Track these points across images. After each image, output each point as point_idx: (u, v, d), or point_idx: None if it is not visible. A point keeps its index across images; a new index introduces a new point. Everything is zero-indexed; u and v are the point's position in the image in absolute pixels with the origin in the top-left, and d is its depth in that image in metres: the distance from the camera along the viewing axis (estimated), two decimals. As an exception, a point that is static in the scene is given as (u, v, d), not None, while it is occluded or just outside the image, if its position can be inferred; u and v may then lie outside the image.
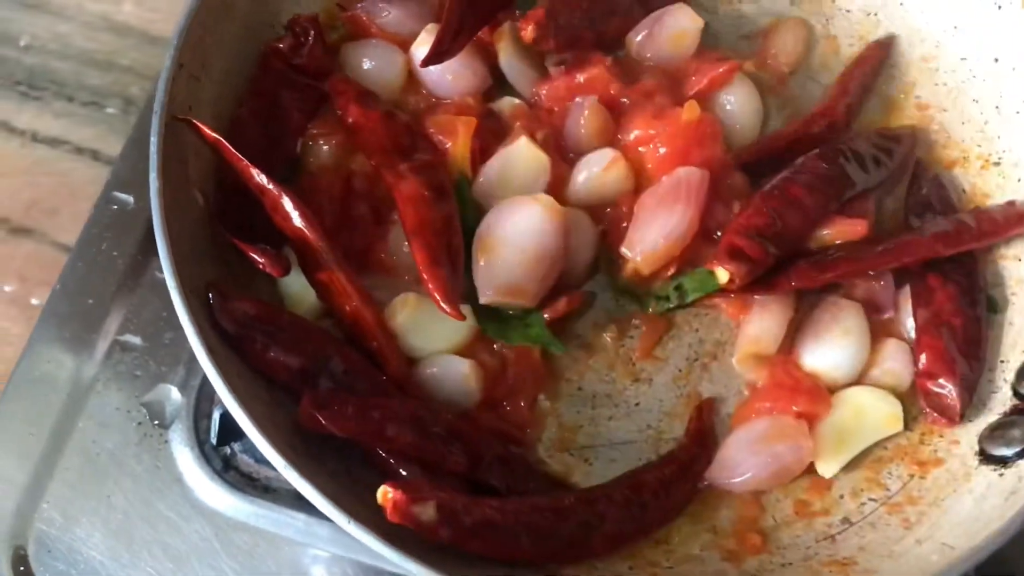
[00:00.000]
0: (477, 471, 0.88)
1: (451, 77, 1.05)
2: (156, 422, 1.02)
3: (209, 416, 1.01)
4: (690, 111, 1.01)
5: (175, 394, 1.03)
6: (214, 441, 1.01)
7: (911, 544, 0.89)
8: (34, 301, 1.16)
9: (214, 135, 0.90)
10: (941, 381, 0.95)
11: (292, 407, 0.85)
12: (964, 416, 0.93)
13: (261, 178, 0.90)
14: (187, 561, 0.97)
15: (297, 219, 0.90)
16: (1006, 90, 1.05)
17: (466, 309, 0.94)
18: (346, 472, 0.86)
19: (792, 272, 0.96)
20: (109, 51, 1.33)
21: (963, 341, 0.96)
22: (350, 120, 1.00)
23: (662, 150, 1.01)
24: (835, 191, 0.99)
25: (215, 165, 0.96)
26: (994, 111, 1.06)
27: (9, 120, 1.28)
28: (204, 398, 1.03)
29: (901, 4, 1.12)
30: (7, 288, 1.18)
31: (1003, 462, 0.90)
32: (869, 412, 0.95)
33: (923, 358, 0.96)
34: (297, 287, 0.96)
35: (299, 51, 1.03)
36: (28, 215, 1.23)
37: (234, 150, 0.90)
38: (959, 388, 0.94)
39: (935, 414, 0.95)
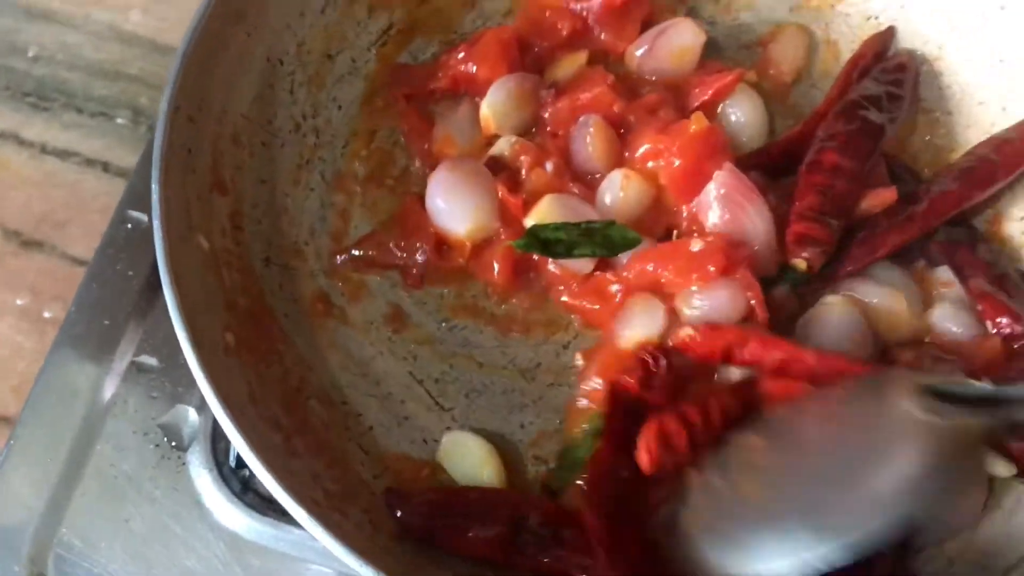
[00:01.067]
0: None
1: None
2: (174, 444, 0.90)
3: (227, 438, 0.87)
4: (698, 122, 0.89)
5: (192, 415, 0.90)
6: (232, 463, 0.89)
7: (943, 564, 0.77)
8: (46, 314, 1.05)
9: None
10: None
11: (308, 457, 0.75)
12: None
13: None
14: (207, 584, 0.85)
15: None
16: (1012, 91, 0.93)
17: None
18: (369, 523, 0.75)
19: (846, 259, 0.87)
20: (117, 61, 1.21)
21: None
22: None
23: (676, 162, 0.88)
24: (868, 143, 0.90)
25: (217, 209, 0.85)
26: (1001, 112, 0.94)
27: (19, 132, 1.17)
28: (221, 420, 0.89)
29: (902, 7, 0.99)
30: (19, 302, 1.07)
31: (1033, 474, 0.79)
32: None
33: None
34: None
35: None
36: (39, 228, 1.11)
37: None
38: None
39: None
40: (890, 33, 1.00)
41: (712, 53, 1.00)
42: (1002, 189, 0.91)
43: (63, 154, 1.15)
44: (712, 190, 0.87)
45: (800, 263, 0.86)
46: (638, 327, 0.84)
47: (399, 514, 0.77)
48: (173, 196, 0.79)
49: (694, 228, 0.89)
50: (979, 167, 0.90)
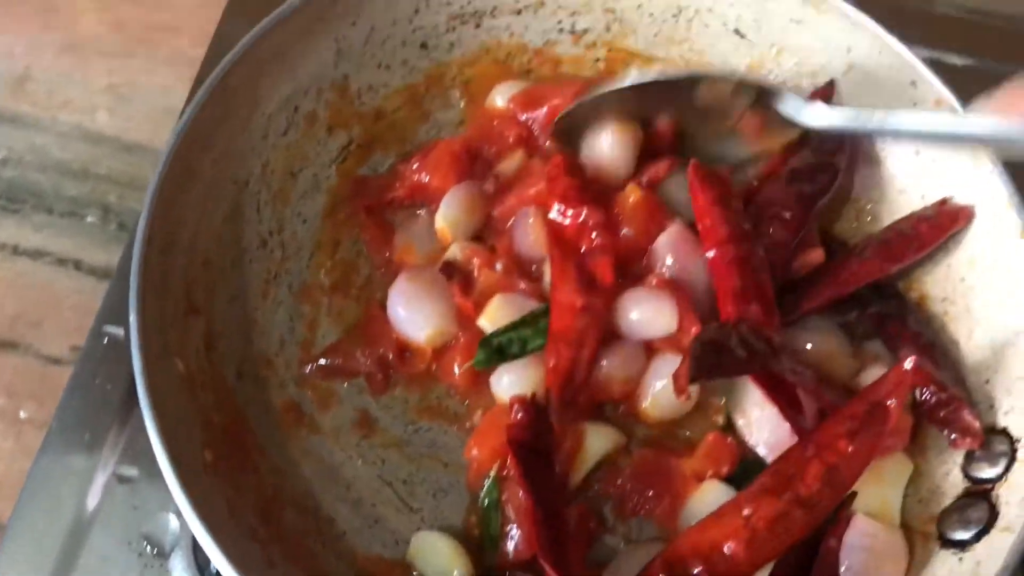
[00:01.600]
0: None
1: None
2: (156, 551, 0.93)
3: (207, 544, 0.91)
4: (633, 192, 0.94)
5: (173, 522, 0.93)
6: (214, 570, 0.91)
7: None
8: (23, 415, 1.07)
9: None
10: (954, 405, 0.89)
11: (285, 566, 0.78)
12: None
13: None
14: None
15: None
16: (928, 181, 0.99)
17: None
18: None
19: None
20: (85, 160, 1.24)
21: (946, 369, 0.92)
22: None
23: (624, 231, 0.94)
24: (803, 212, 0.96)
25: (191, 332, 0.88)
26: (920, 200, 0.99)
27: (-10, 235, 1.18)
28: (202, 525, 0.92)
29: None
30: (-5, 403, 1.09)
31: (962, 546, 0.84)
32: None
33: (921, 392, 0.90)
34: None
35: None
36: (13, 328, 1.13)
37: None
38: (968, 407, 0.89)
39: (963, 437, 0.89)
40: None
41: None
42: (923, 269, 0.98)
43: (35, 254, 1.17)
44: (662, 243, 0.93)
45: None
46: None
47: None
48: (149, 324, 0.83)
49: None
50: (895, 240, 0.96)
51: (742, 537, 0.79)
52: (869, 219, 1.03)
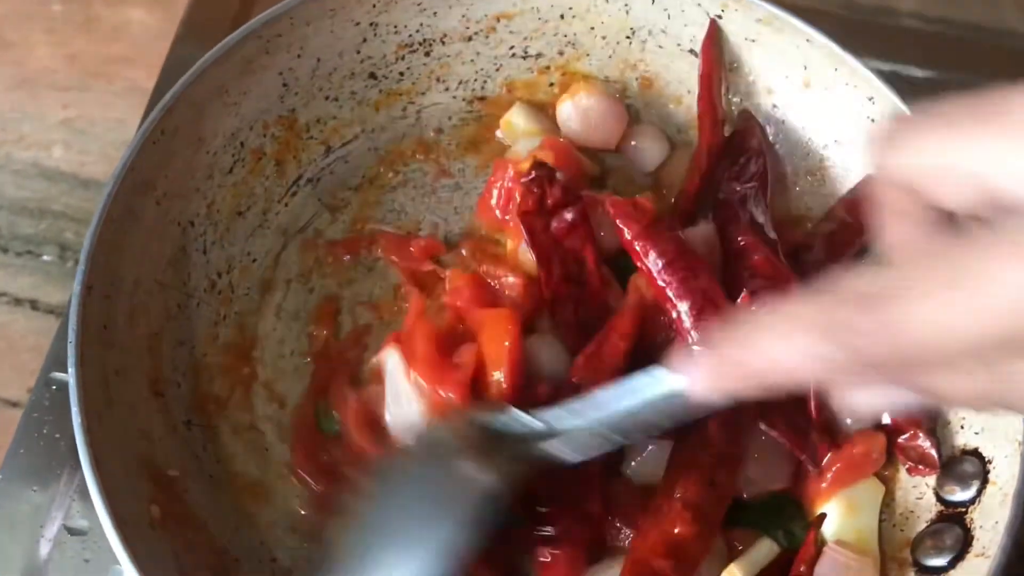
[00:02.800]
0: None
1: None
2: (110, 606, 0.89)
3: (163, 598, 0.87)
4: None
5: (128, 576, 0.89)
6: (170, 626, 0.87)
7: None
8: None
9: None
10: (911, 432, 0.87)
11: None
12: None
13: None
14: None
15: None
16: (891, 198, 0.96)
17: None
18: None
19: None
20: (41, 198, 1.20)
21: None
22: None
23: None
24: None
25: (132, 380, 0.85)
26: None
27: (-56, 277, 1.15)
28: (156, 578, 0.88)
29: (783, 122, 1.03)
30: (-49, 446, 1.05)
31: (937, 573, 0.81)
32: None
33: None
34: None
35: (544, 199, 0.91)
36: (-33, 371, 1.09)
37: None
38: (927, 434, 0.86)
39: (920, 466, 0.87)
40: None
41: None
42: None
43: (-10, 295, 1.14)
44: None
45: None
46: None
47: None
48: (91, 376, 0.79)
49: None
50: (839, 230, 0.94)
51: (685, 517, 0.79)
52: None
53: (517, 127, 1.03)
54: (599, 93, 1.03)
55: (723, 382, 0.53)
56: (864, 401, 0.56)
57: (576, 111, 1.02)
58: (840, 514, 0.85)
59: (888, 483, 0.89)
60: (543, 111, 1.06)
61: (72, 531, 0.92)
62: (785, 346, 0.48)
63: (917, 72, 1.19)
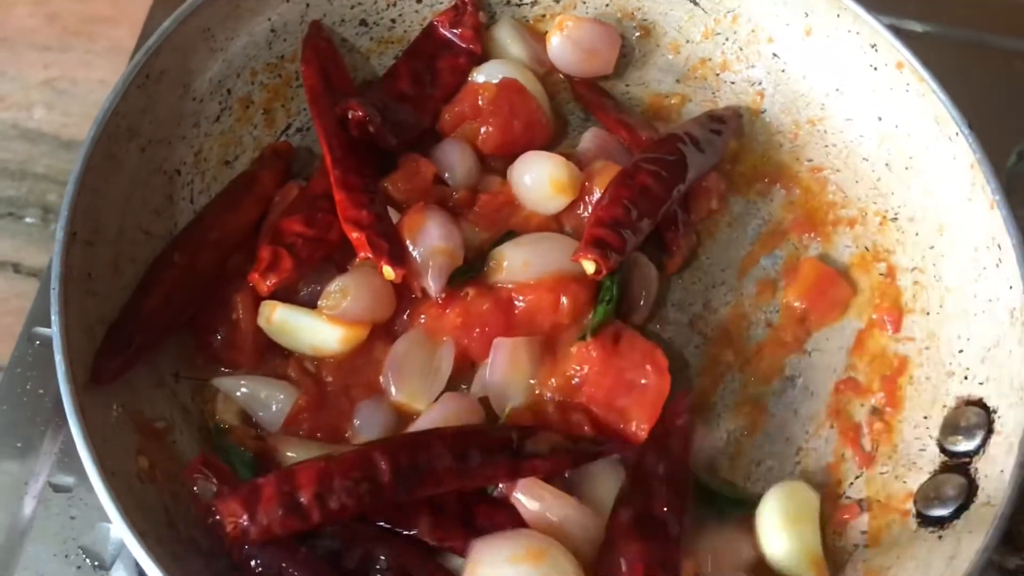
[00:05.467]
0: None
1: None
2: (96, 564, 0.86)
3: (151, 554, 0.85)
4: None
5: (114, 533, 0.87)
6: (158, 582, 0.85)
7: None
8: None
9: None
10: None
11: None
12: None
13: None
14: None
15: None
16: (892, 147, 0.95)
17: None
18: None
19: None
20: (22, 160, 1.18)
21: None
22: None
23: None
24: (678, 175, 0.93)
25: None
26: (885, 168, 0.95)
27: (-76, 238, 1.12)
28: (144, 535, 0.86)
29: (783, 71, 1.01)
30: (-68, 409, 1.02)
31: (941, 523, 0.80)
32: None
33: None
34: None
35: (458, 21, 0.99)
36: (-50, 333, 1.06)
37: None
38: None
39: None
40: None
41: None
42: (892, 237, 0.94)
43: (-29, 258, 1.11)
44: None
45: (589, 264, 0.86)
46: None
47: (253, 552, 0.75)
48: (74, 324, 0.77)
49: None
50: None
51: None
52: (833, 188, 0.99)
53: (501, 43, 1.02)
54: (587, 20, 1.01)
55: None
56: None
57: (567, 43, 1.00)
58: (780, 531, 0.83)
59: (889, 434, 0.88)
60: (533, 35, 1.04)
61: (57, 488, 0.89)
62: None
63: (916, 26, 1.17)
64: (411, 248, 0.87)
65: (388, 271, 0.85)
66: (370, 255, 0.84)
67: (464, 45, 1.00)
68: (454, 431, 0.80)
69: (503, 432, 0.81)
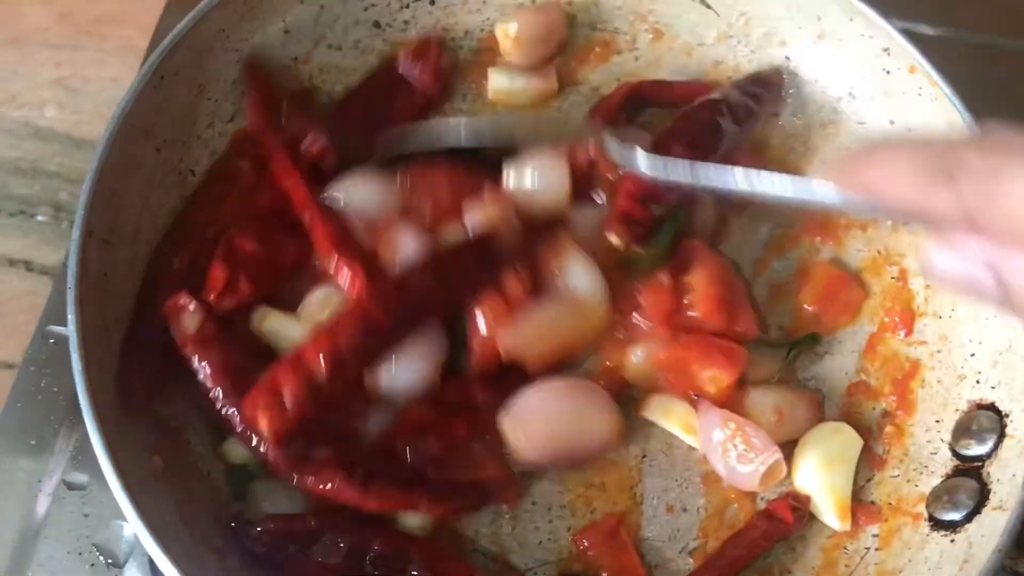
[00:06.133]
0: None
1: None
2: (110, 562, 0.87)
3: (163, 552, 0.85)
4: None
5: (128, 531, 0.88)
6: (171, 578, 0.85)
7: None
8: None
9: None
10: None
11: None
12: None
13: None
14: None
15: None
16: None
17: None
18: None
19: None
20: (34, 158, 1.18)
21: None
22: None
23: None
24: (712, 145, 0.91)
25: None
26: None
27: (-64, 236, 1.12)
28: (157, 533, 0.87)
29: (796, 75, 1.01)
30: (-55, 408, 1.03)
31: (953, 527, 0.80)
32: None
33: None
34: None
35: (417, 64, 0.97)
36: (-39, 332, 1.07)
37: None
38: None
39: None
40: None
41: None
42: (904, 240, 0.95)
43: (-17, 256, 1.12)
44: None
45: (615, 238, 0.87)
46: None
47: (244, 541, 0.77)
48: (91, 323, 0.77)
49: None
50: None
51: None
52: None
53: (503, 90, 1.01)
54: (530, 11, 1.01)
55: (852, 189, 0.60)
56: (944, 264, 0.58)
57: (520, 41, 0.99)
58: (815, 465, 0.85)
59: (901, 438, 0.88)
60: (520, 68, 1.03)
61: (71, 486, 0.90)
62: (894, 173, 0.56)
63: (928, 30, 1.17)
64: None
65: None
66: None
67: (420, 88, 0.97)
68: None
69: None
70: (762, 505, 0.86)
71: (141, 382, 0.79)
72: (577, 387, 0.85)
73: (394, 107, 0.96)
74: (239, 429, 0.78)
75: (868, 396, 0.91)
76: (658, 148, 0.89)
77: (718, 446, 0.84)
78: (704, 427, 0.86)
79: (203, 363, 0.79)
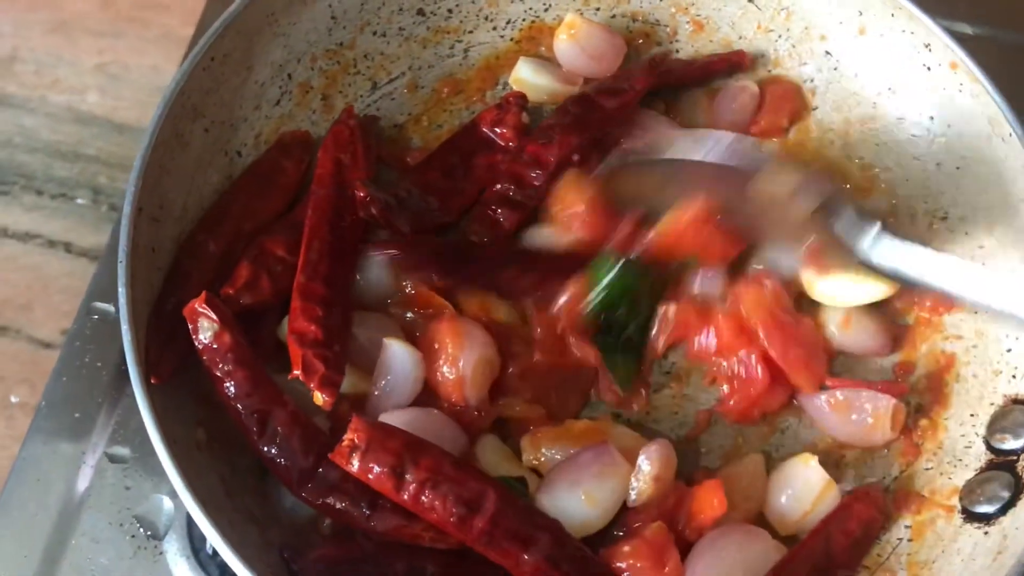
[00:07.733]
0: None
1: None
2: (150, 534, 0.89)
3: (203, 525, 0.88)
4: None
5: (167, 504, 0.90)
6: (209, 551, 0.88)
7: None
8: (14, 399, 1.05)
9: None
10: None
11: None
12: None
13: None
14: (188, 675, 0.85)
15: None
16: (944, 147, 0.96)
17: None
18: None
19: None
20: (75, 142, 1.22)
21: None
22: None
23: None
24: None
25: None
26: (935, 168, 0.97)
27: (-21, 217, 1.16)
28: (197, 507, 0.89)
29: (835, 69, 1.02)
30: (-14, 387, 1.06)
31: (986, 519, 0.81)
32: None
33: None
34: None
35: (501, 120, 0.98)
36: (2, 312, 1.11)
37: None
38: None
39: None
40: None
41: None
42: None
43: (24, 237, 1.15)
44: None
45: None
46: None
47: (296, 569, 0.76)
48: (140, 297, 0.79)
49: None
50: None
51: None
52: (883, 187, 1.00)
53: (526, 81, 1.02)
54: (596, 25, 1.02)
55: None
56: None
57: (574, 47, 1.01)
58: None
59: (935, 431, 0.89)
60: (551, 61, 1.04)
61: (113, 459, 0.92)
62: None
63: (967, 28, 1.18)
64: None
65: (318, 397, 0.79)
66: (300, 376, 0.80)
67: (503, 144, 0.98)
68: None
69: None
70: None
71: (165, 357, 0.80)
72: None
73: (474, 165, 0.98)
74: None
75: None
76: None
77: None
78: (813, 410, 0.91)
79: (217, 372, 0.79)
